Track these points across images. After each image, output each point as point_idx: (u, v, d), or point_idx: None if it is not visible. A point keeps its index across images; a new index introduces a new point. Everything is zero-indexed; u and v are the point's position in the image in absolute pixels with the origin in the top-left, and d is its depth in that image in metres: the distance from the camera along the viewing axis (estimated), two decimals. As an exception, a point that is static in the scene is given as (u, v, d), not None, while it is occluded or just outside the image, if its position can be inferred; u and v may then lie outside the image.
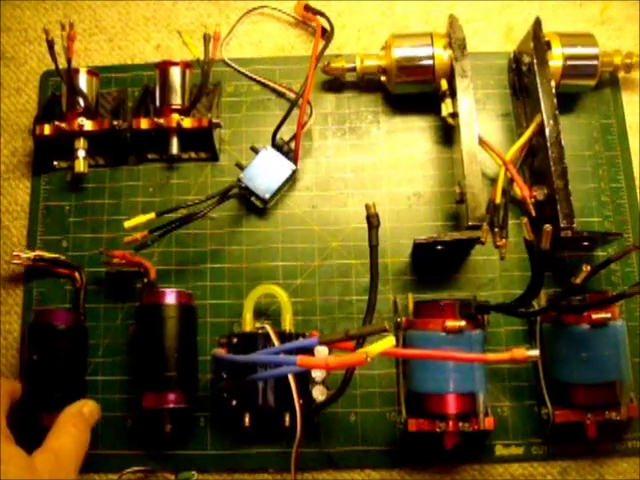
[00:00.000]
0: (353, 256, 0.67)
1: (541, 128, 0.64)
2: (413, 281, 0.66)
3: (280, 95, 0.72)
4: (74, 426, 0.56)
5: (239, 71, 0.73)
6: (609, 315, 0.57)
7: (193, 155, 0.70)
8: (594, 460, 0.63)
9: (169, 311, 0.60)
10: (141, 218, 0.62)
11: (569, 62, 0.67)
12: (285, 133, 0.67)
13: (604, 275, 0.66)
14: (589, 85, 0.69)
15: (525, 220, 0.52)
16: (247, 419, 0.59)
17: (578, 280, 0.52)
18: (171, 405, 0.59)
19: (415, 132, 0.71)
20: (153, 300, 0.61)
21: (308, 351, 0.52)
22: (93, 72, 0.69)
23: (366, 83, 0.72)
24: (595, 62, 0.67)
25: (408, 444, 0.62)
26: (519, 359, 0.49)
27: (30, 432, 0.55)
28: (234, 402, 0.59)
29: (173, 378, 0.59)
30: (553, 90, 0.64)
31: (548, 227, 0.51)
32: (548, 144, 0.62)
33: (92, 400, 0.60)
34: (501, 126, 0.71)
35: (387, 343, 0.46)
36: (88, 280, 0.66)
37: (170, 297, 0.61)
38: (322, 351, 0.54)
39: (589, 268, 0.52)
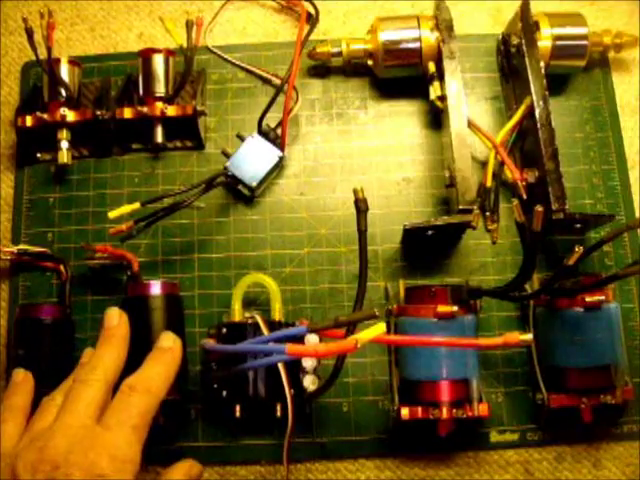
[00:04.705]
0: (343, 243, 0.66)
1: (531, 110, 0.63)
2: (404, 267, 0.66)
3: (266, 82, 0.71)
4: None
5: (223, 58, 0.72)
6: (603, 298, 0.57)
7: (178, 144, 0.69)
8: (590, 445, 0.62)
9: (155, 302, 0.59)
10: (126, 208, 0.61)
11: (558, 42, 0.66)
12: (271, 120, 0.66)
13: (597, 258, 0.65)
14: (579, 66, 0.68)
15: (516, 202, 0.52)
16: (238, 410, 0.58)
17: (571, 261, 0.52)
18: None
19: (403, 116, 0.70)
20: (138, 292, 0.60)
21: (298, 339, 0.52)
22: (75, 62, 0.68)
23: (352, 68, 0.71)
24: (584, 42, 0.66)
25: (401, 433, 0.61)
26: (512, 343, 0.49)
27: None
28: (224, 393, 0.58)
29: (162, 370, 0.58)
30: (542, 71, 0.63)
31: (539, 208, 0.50)
32: (538, 125, 0.61)
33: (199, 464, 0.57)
34: (490, 109, 0.70)
35: (378, 329, 0.45)
36: (74, 273, 0.65)
37: (155, 288, 0.60)
38: (312, 339, 0.54)
39: (582, 249, 0.51)
